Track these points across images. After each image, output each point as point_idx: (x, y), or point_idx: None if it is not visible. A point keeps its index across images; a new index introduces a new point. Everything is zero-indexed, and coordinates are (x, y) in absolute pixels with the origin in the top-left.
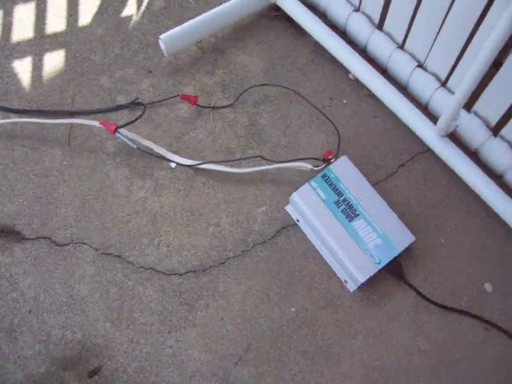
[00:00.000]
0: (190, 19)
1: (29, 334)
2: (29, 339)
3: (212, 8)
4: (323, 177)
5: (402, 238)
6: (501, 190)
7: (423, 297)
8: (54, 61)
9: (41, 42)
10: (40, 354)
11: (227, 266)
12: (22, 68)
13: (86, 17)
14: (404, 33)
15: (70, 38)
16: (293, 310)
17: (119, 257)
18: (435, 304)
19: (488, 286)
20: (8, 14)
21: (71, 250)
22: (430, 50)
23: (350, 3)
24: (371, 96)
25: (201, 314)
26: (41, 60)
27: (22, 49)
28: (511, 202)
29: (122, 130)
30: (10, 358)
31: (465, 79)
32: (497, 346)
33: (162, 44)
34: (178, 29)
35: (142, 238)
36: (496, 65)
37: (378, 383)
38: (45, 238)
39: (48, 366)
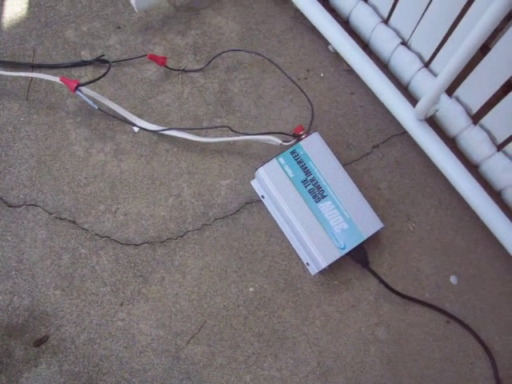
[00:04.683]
0: None
1: None
2: None
3: None
4: (292, 153)
5: (369, 224)
6: (475, 182)
7: (386, 285)
8: (16, 7)
9: None
10: None
11: (186, 240)
12: None
13: None
14: (390, 6)
15: None
16: (251, 289)
17: (73, 222)
18: (398, 294)
19: (453, 279)
20: None
21: (23, 212)
22: (416, 27)
23: None
24: (350, 71)
25: (155, 287)
26: (2, 5)
27: None
28: (484, 194)
29: (84, 89)
30: None
31: (449, 62)
32: (456, 339)
33: None
34: None
35: (99, 204)
36: (483, 49)
37: (332, 370)
38: None
39: None
